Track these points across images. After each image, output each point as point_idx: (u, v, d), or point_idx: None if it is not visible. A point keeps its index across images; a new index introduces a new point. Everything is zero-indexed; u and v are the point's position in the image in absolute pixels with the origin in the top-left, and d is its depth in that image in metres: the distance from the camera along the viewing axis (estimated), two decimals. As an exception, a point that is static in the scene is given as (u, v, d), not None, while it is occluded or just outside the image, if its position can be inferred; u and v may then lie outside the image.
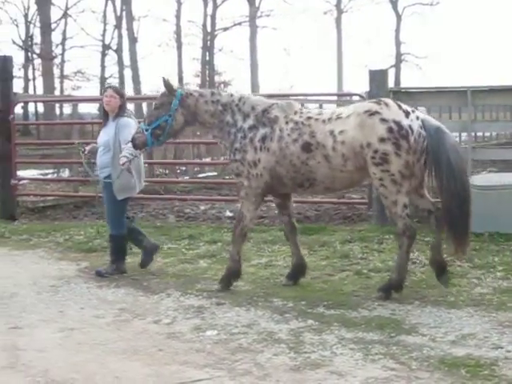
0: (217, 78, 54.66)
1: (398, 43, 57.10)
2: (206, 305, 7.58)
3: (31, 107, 49.36)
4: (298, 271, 8.51)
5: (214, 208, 14.10)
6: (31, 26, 57.00)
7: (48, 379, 5.67)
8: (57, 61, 51.88)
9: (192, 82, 57.53)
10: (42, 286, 8.67)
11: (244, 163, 8.08)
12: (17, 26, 58.43)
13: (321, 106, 23.30)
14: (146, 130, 8.27)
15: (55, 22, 51.62)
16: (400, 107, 7.60)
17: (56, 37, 52.29)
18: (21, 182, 14.94)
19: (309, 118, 7.96)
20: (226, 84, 56.58)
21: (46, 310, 7.59)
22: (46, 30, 45.04)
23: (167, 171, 20.04)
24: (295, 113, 8.07)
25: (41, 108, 47.15)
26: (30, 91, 49.68)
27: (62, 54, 57.15)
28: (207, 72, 53.66)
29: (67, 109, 48.52)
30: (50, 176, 20.74)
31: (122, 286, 8.54)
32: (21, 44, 55.17)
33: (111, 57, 57.65)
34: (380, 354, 5.99)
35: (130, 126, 8.98)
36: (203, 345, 6.35)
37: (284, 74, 67.80)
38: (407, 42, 61.79)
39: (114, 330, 6.86)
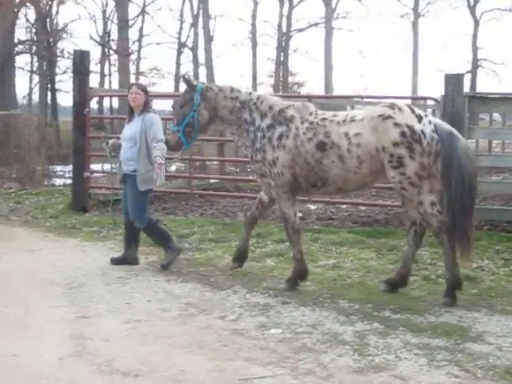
0: (290, 79, 54.66)
1: (474, 49, 56.15)
2: (272, 303, 7.58)
3: (106, 102, 50.20)
4: (240, 256, 8.88)
5: (283, 208, 14.07)
6: (109, 22, 57.99)
7: (113, 369, 5.75)
8: (133, 57, 52.56)
9: (266, 82, 57.76)
10: (111, 277, 8.81)
11: (265, 163, 8.22)
12: (95, 21, 59.46)
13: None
14: (178, 131, 8.46)
15: (133, 18, 52.36)
16: (413, 112, 7.68)
17: (133, 33, 53.05)
18: (93, 175, 15.17)
19: (324, 119, 8.08)
20: (299, 85, 56.57)
21: (114, 301, 7.70)
22: (124, 26, 45.61)
23: (238, 169, 20.08)
24: (310, 114, 8.19)
25: (115, 103, 47.94)
26: (106, 86, 50.38)
27: (139, 51, 57.92)
28: (281, 73, 53.63)
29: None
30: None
31: (189, 280, 8.61)
32: (98, 40, 56.10)
33: (186, 55, 58.20)
34: (445, 360, 5.91)
35: (158, 122, 9.33)
36: (267, 342, 6.36)
37: (358, 77, 67.36)
38: (484, 47, 60.84)
39: (180, 323, 6.92)
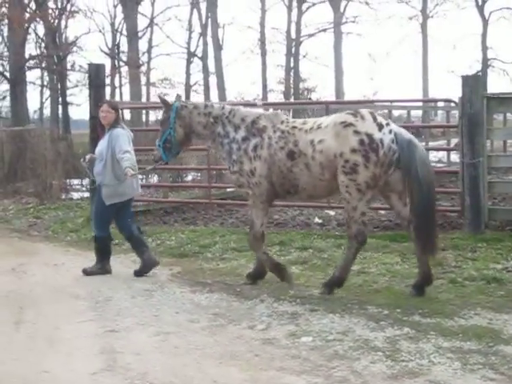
0: (301, 85, 54.60)
1: (484, 48, 56.14)
2: (300, 311, 7.55)
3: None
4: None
5: (302, 214, 14.05)
6: (118, 34, 58.18)
7: (146, 382, 5.74)
8: (143, 68, 52.66)
9: (276, 89, 57.73)
10: (136, 290, 8.80)
11: (243, 174, 8.56)
12: (103, 34, 59.69)
13: (408, 113, 23.19)
14: (159, 146, 8.94)
15: (142, 30, 52.51)
16: (375, 120, 7.94)
17: (142, 45, 53.19)
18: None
19: (294, 127, 8.41)
20: (309, 90, 56.50)
21: (141, 314, 7.68)
22: (133, 38, 45.75)
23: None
24: (282, 122, 8.53)
25: (127, 115, 47.95)
26: (117, 98, 50.49)
27: (148, 62, 58.06)
28: (292, 79, 53.63)
29: (152, 115, 49.32)
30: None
31: (215, 291, 8.58)
32: (108, 52, 56.25)
33: (196, 64, 58.30)
34: (479, 363, 5.87)
35: (123, 135, 9.67)
36: (299, 351, 6.33)
37: (369, 80, 67.30)
38: (494, 46, 60.73)
39: (210, 334, 6.89)
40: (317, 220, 13.12)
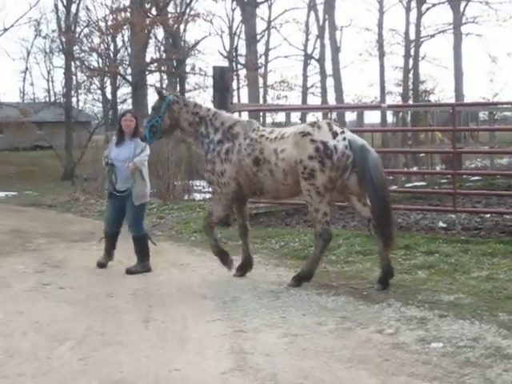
0: (420, 87, 53.89)
1: None
2: (429, 316, 7.43)
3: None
4: (246, 265, 9.90)
5: (425, 218, 13.83)
6: (235, 37, 58.80)
7: (276, 383, 5.73)
8: (261, 71, 52.97)
9: (394, 91, 57.20)
10: (263, 291, 8.87)
11: (214, 173, 9.54)
12: (221, 37, 60.50)
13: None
14: (146, 127, 9.97)
15: (260, 33, 52.90)
16: (330, 129, 8.80)
17: (260, 47, 53.55)
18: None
19: (262, 136, 9.29)
20: (428, 92, 55.74)
21: (269, 315, 7.71)
22: (251, 41, 46.07)
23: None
24: (253, 130, 9.40)
25: (245, 117, 48.34)
26: (235, 100, 50.99)
27: (266, 65, 58.44)
28: (411, 80, 52.98)
29: (269, 118, 49.58)
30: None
31: (341, 294, 8.55)
32: (226, 55, 56.91)
33: (313, 66, 58.33)
34: None
35: (147, 145, 10.53)
36: (429, 357, 6.22)
37: (489, 82, 65.81)
38: None
39: (338, 337, 6.85)
40: (441, 224, 12.89)
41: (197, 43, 50.00)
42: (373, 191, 8.71)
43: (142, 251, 10.61)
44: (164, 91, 10.16)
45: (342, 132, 8.84)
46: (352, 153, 8.68)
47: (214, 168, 9.51)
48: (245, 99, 50.47)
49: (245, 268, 9.88)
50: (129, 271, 10.40)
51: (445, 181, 19.31)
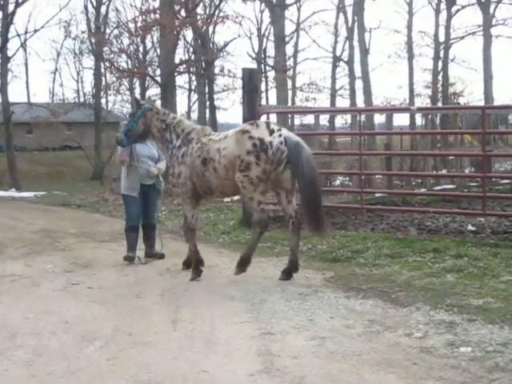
0: (449, 89, 53.57)
1: None
2: (458, 320, 7.37)
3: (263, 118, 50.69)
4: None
5: (454, 221, 13.75)
6: (264, 39, 58.83)
7: (303, 386, 5.72)
8: (289, 73, 52.92)
9: (423, 93, 56.89)
10: (290, 293, 8.84)
11: (174, 176, 10.36)
12: (250, 39, 60.57)
13: None
14: (123, 132, 10.86)
15: (288, 35, 52.85)
16: (268, 127, 9.55)
17: (288, 49, 53.52)
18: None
19: (210, 139, 10.04)
20: (457, 95, 55.39)
21: (296, 318, 7.69)
22: (280, 42, 46.05)
23: (403, 183, 19.82)
24: (205, 135, 10.17)
25: (273, 119, 48.36)
26: (263, 102, 50.99)
27: (294, 67, 58.41)
28: (440, 83, 52.69)
29: (297, 120, 49.47)
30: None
31: (369, 297, 8.51)
32: (254, 56, 56.94)
33: (342, 68, 58.18)
34: None
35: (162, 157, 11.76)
36: (458, 361, 6.17)
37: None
38: None
39: (366, 341, 6.82)
40: (470, 227, 12.80)
41: (226, 45, 50.19)
42: (304, 184, 9.40)
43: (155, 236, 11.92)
44: (141, 101, 11.11)
45: (279, 130, 9.54)
46: (287, 148, 9.37)
47: (174, 171, 10.34)
48: (273, 101, 50.37)
49: (202, 262, 10.40)
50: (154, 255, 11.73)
51: (474, 184, 19.19)
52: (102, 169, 39.81)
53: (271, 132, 9.44)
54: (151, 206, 11.86)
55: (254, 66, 51.34)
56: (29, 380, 6.08)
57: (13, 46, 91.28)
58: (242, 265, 9.78)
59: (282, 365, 6.21)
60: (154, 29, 37.82)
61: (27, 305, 8.72)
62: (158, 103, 48.99)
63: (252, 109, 13.93)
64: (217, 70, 47.69)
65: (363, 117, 25.15)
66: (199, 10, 43.36)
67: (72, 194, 28.76)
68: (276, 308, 8.13)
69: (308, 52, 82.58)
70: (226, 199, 19.79)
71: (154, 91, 53.46)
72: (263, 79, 54.71)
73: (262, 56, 57.58)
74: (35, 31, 49.10)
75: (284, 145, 9.37)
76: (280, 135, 9.43)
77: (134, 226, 11.70)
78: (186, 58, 47.71)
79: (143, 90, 50.41)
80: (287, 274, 9.69)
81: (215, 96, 53.76)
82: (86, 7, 53.95)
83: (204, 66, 44.59)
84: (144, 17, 37.76)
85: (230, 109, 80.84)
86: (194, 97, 59.92)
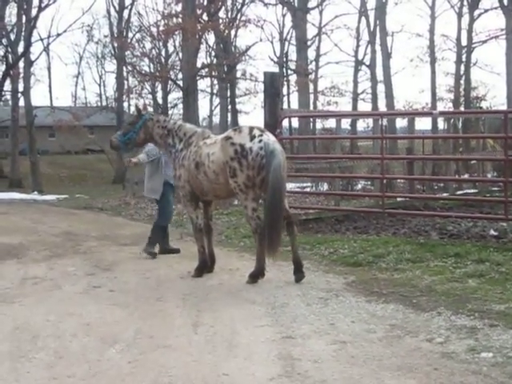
0: (471, 93, 53.36)
1: None
2: (479, 326, 7.31)
3: (285, 122, 50.78)
4: (211, 263, 10.77)
5: (476, 226, 13.68)
6: (286, 43, 58.91)
7: (325, 391, 5.71)
8: (311, 76, 52.94)
9: (445, 97, 56.71)
10: (311, 297, 8.83)
11: (176, 178, 10.74)
12: (271, 42, 60.66)
13: None
14: (120, 140, 11.04)
15: (310, 39, 52.90)
16: (250, 133, 9.66)
17: (310, 53, 53.57)
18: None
19: (204, 143, 10.24)
20: (480, 99, 55.13)
21: (317, 322, 7.68)
22: (302, 46, 46.10)
23: (425, 187, 19.76)
24: (203, 139, 10.36)
25: (295, 123, 48.45)
26: (284, 106, 51.04)
27: (316, 70, 58.44)
28: (462, 87, 52.49)
29: (319, 124, 49.47)
30: (308, 189, 21.06)
31: (390, 301, 8.48)
32: (276, 60, 57.01)
33: (364, 72, 58.16)
34: None
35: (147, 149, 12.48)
36: (479, 367, 6.12)
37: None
38: None
39: (387, 345, 6.79)
40: (492, 232, 12.73)
41: (248, 49, 50.25)
42: (268, 194, 9.45)
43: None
44: (142, 111, 11.23)
45: (260, 135, 9.67)
46: (265, 154, 9.49)
47: (176, 173, 10.66)
48: (295, 105, 50.54)
49: (212, 265, 10.77)
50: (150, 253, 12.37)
51: (496, 188, 19.09)
52: (123, 172, 39.88)
53: (252, 138, 9.61)
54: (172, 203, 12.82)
55: (275, 69, 51.58)
56: (50, 382, 6.10)
57: (36, 50, 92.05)
58: (256, 276, 9.85)
59: (303, 369, 6.20)
60: (176, 33, 37.98)
61: (49, 307, 8.76)
62: (180, 107, 49.28)
63: (273, 112, 13.96)
64: (239, 74, 47.93)
65: (385, 121, 25.09)
66: (221, 14, 43.58)
67: (94, 198, 28.90)
68: (297, 312, 8.12)
69: (330, 56, 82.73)
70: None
71: (175, 95, 53.79)
72: (285, 83, 54.83)
73: (284, 60, 57.74)
74: (58, 35, 49.62)
75: (263, 150, 9.50)
76: (260, 141, 9.57)
77: (165, 227, 12.68)
78: (208, 61, 47.89)
79: (165, 93, 50.71)
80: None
81: (237, 100, 53.98)
82: (108, 11, 54.32)
83: (226, 69, 44.74)
84: (166, 21, 37.99)
85: (251, 112, 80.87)
86: (216, 101, 60.26)
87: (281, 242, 9.65)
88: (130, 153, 13.96)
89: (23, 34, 40.28)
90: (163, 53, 49.24)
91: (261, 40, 59.87)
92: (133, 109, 57.68)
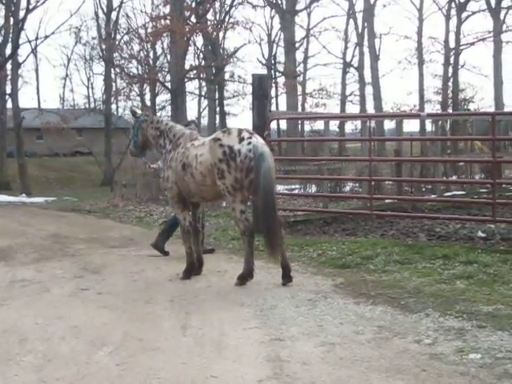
0: (459, 95, 53.55)
1: None
2: (467, 327, 7.34)
3: (273, 124, 50.83)
4: (199, 265, 10.74)
5: (464, 228, 13.72)
6: (274, 45, 58.98)
7: (313, 392, 5.70)
8: (299, 78, 53.02)
9: (433, 99, 56.87)
10: (300, 299, 8.83)
11: (163, 180, 10.81)
12: (260, 44, 60.73)
13: None
14: (132, 146, 11.46)
15: (299, 41, 52.97)
16: (239, 135, 9.66)
17: (298, 55, 53.65)
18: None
19: (192, 144, 10.26)
20: (468, 101, 55.36)
21: (306, 324, 7.68)
22: (290, 48, 46.16)
23: (413, 189, 19.80)
24: (191, 140, 10.41)
25: (283, 125, 48.52)
26: (273, 108, 51.07)
27: (304, 72, 58.52)
28: (450, 89, 52.65)
29: (307, 126, 49.48)
30: (296, 191, 21.05)
31: (378, 303, 8.49)
32: (264, 62, 57.04)
33: (352, 74, 58.29)
34: None
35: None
36: (467, 368, 6.13)
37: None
38: None
39: (375, 347, 6.80)
40: (480, 234, 12.78)
41: (236, 51, 50.28)
42: (259, 198, 9.47)
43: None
44: (138, 112, 11.41)
45: (249, 137, 9.66)
46: (253, 157, 9.48)
47: (164, 175, 10.74)
48: (283, 107, 50.68)
49: (195, 266, 10.68)
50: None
51: (484, 190, 19.17)
52: (112, 175, 39.82)
53: (241, 140, 9.61)
54: None
55: (263, 71, 51.47)
56: (39, 385, 6.10)
57: (23, 52, 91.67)
58: (245, 277, 9.83)
59: (292, 371, 6.20)
60: (165, 35, 38.05)
61: (37, 310, 8.73)
62: (168, 109, 49.26)
63: (262, 115, 13.95)
64: (227, 76, 47.93)
65: (373, 123, 25.10)
66: (209, 16, 43.61)
67: (82, 200, 28.84)
68: (285, 314, 8.12)
69: (318, 58, 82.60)
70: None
71: (164, 97, 53.72)
72: (273, 85, 54.85)
73: (272, 62, 57.81)
74: (46, 37, 49.28)
75: (252, 152, 9.49)
76: (249, 143, 9.57)
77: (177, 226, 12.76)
78: (196, 63, 47.84)
79: (153, 95, 50.65)
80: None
81: (225, 102, 53.92)
82: (96, 13, 54.19)
83: (214, 71, 44.74)
84: (154, 23, 37.99)
85: (240, 114, 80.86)
86: (204, 103, 60.30)
87: (281, 242, 9.70)
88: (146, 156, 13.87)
89: (11, 35, 40.11)
90: (151, 55, 49.17)
91: (249, 42, 60.24)
92: (121, 111, 57.78)
